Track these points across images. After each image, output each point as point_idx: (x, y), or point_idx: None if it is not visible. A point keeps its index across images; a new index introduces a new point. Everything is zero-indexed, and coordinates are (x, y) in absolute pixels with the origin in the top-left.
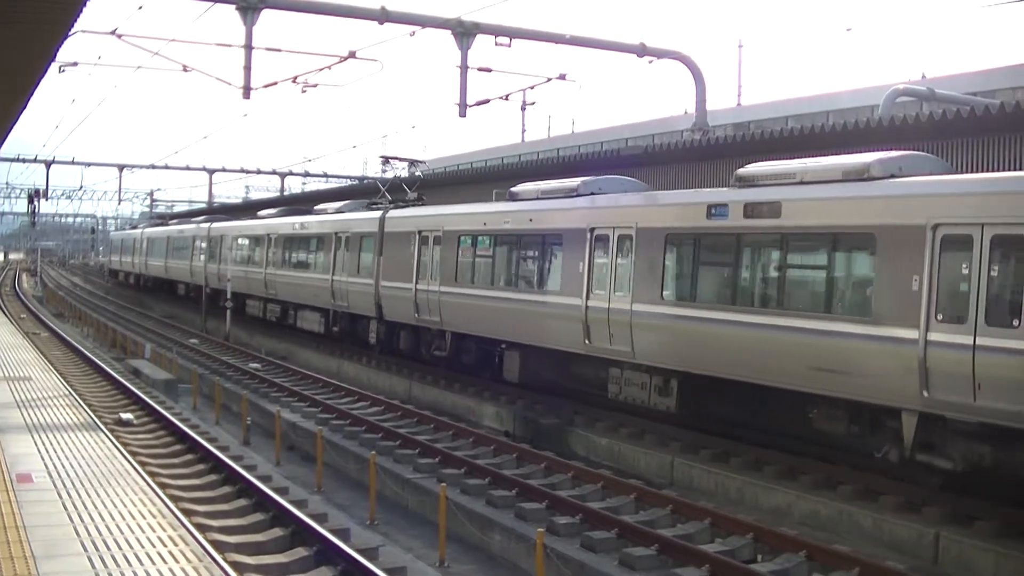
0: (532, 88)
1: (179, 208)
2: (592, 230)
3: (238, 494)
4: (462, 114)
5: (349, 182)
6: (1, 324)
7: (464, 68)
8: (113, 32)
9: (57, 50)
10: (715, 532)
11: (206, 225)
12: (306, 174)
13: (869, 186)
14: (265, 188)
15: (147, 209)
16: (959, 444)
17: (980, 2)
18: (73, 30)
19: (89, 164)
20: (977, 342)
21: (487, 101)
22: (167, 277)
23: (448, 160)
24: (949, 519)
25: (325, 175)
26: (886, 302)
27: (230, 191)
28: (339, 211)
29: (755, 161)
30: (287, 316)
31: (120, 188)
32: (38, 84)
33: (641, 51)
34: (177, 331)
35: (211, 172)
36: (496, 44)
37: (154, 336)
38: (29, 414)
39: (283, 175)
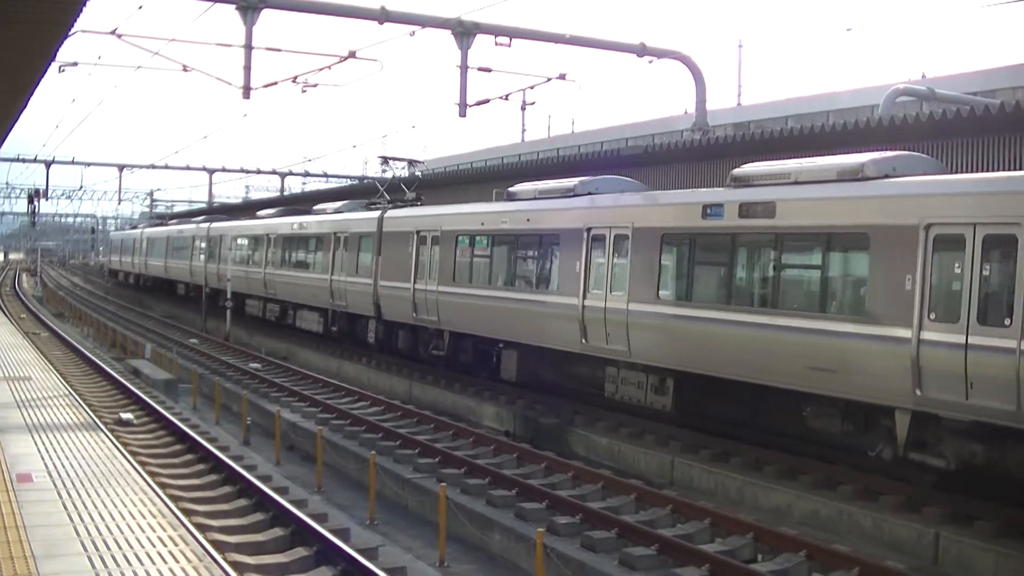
0: (532, 88)
1: (179, 208)
2: (589, 230)
3: (238, 494)
4: (462, 114)
5: (349, 182)
6: (1, 324)
7: (464, 68)
8: (113, 32)
9: (57, 50)
10: (715, 532)
11: (205, 225)
12: (306, 174)
13: (863, 186)
14: (265, 188)
15: (147, 209)
16: (952, 442)
17: (980, 2)
18: (73, 30)
19: (89, 164)
20: (969, 341)
21: (487, 101)
22: (167, 277)
23: (448, 160)
24: (949, 519)
25: (325, 175)
26: (880, 301)
27: (230, 191)
28: (338, 211)
29: (755, 161)
30: (286, 316)
31: (120, 188)
32: (38, 84)
33: (641, 51)
34: (177, 331)
35: (211, 172)
36: (496, 44)
37: (154, 336)
38: (29, 414)
39: (283, 175)
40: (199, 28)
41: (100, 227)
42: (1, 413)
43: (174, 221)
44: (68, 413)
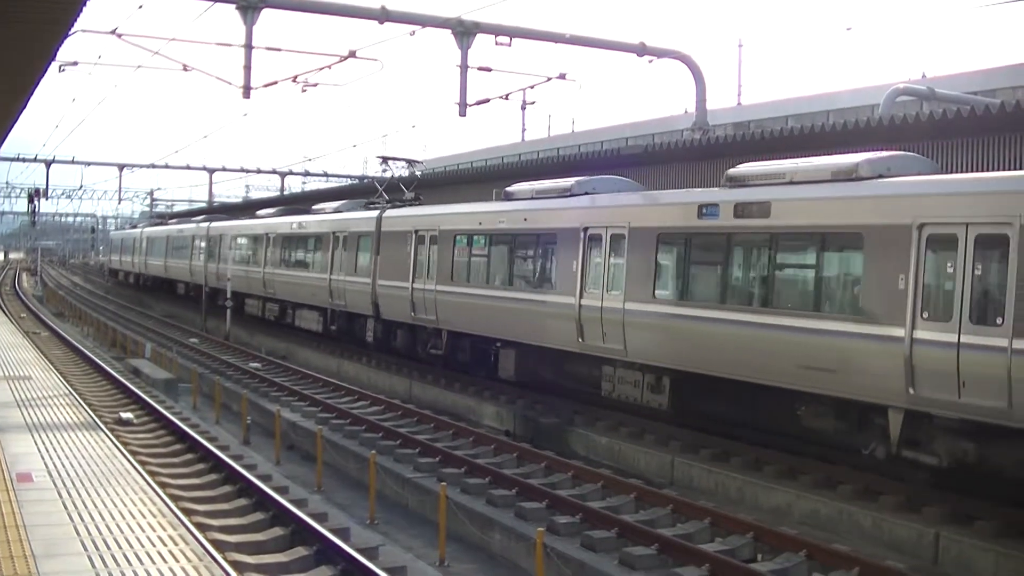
0: (532, 87)
1: (179, 208)
2: (585, 229)
3: (238, 493)
4: (462, 113)
5: (349, 181)
6: (1, 323)
7: (464, 67)
8: (113, 31)
9: (57, 50)
10: (715, 531)
11: (205, 225)
12: (306, 173)
13: (857, 186)
14: (265, 187)
15: (147, 208)
16: (944, 440)
17: (980, 2)
18: (73, 30)
19: (89, 163)
20: (961, 340)
21: (487, 100)
22: (167, 276)
23: (448, 159)
24: (949, 519)
25: (325, 174)
26: (873, 301)
27: (230, 190)
28: (337, 211)
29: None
30: (285, 315)
31: (120, 187)
32: (38, 84)
33: (641, 50)
34: (177, 330)
35: (211, 171)
36: (496, 43)
37: (154, 335)
38: (29, 413)
39: (283, 174)
40: (199, 28)
41: (100, 226)
42: (1, 412)
43: (174, 221)
44: (68, 412)
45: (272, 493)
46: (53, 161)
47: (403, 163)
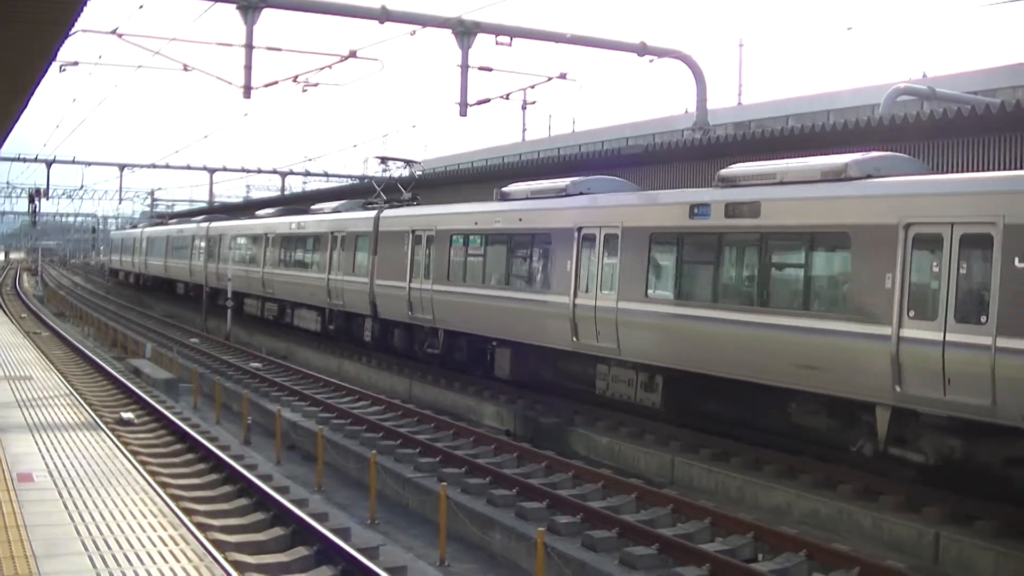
0: (533, 87)
1: (180, 207)
2: (580, 229)
3: (239, 493)
4: (463, 113)
5: (349, 181)
6: (2, 323)
7: (465, 67)
8: (114, 31)
9: (58, 50)
10: (715, 531)
11: (205, 225)
12: (307, 173)
13: (845, 186)
14: (266, 187)
15: (148, 208)
16: (930, 438)
17: (981, 1)
18: (73, 30)
19: (90, 163)
20: (947, 338)
21: (488, 100)
22: (167, 276)
23: (449, 159)
24: (949, 518)
25: (326, 174)
26: (861, 299)
27: (231, 190)
28: (335, 211)
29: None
30: (284, 315)
31: (121, 187)
32: (39, 84)
33: (642, 50)
34: (178, 330)
35: (212, 171)
36: (497, 43)
37: (155, 335)
38: (30, 413)
39: (284, 174)
40: (200, 28)
41: (101, 226)
42: (2, 412)
43: (174, 221)
44: (69, 412)
45: (273, 493)
46: (54, 161)
47: (401, 163)
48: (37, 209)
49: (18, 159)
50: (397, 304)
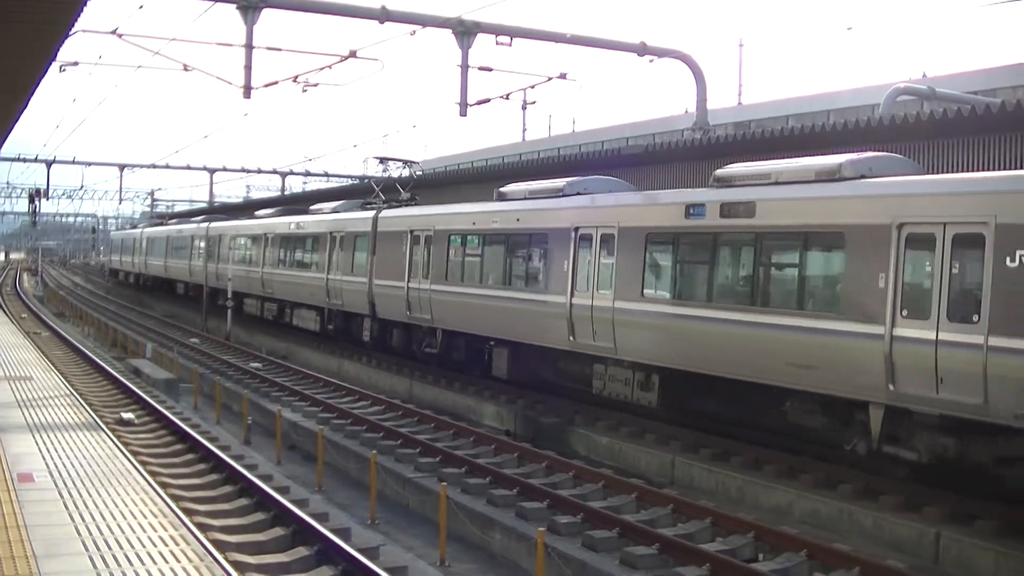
0: (533, 87)
1: (180, 208)
2: (576, 229)
3: (239, 493)
4: (463, 113)
5: (350, 181)
6: (2, 323)
7: (465, 67)
8: (114, 32)
9: (58, 50)
10: (716, 531)
11: (205, 225)
12: (307, 173)
13: (839, 186)
14: (266, 188)
15: (148, 209)
16: (923, 436)
17: (981, 1)
18: (73, 30)
19: (90, 164)
20: (939, 337)
21: (488, 100)
22: (166, 276)
23: (449, 159)
24: (949, 518)
25: (326, 174)
26: (854, 299)
27: (231, 191)
28: (334, 211)
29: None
30: (284, 314)
31: (121, 188)
32: (39, 84)
33: (642, 50)
34: (178, 330)
35: (212, 172)
36: (497, 43)
37: (155, 335)
38: (30, 414)
39: (284, 174)
40: (200, 28)
41: (101, 227)
42: (2, 413)
43: (174, 221)
44: (69, 413)
45: (273, 493)
46: (54, 161)
47: (400, 164)
48: (37, 209)
49: (18, 159)
50: (395, 304)
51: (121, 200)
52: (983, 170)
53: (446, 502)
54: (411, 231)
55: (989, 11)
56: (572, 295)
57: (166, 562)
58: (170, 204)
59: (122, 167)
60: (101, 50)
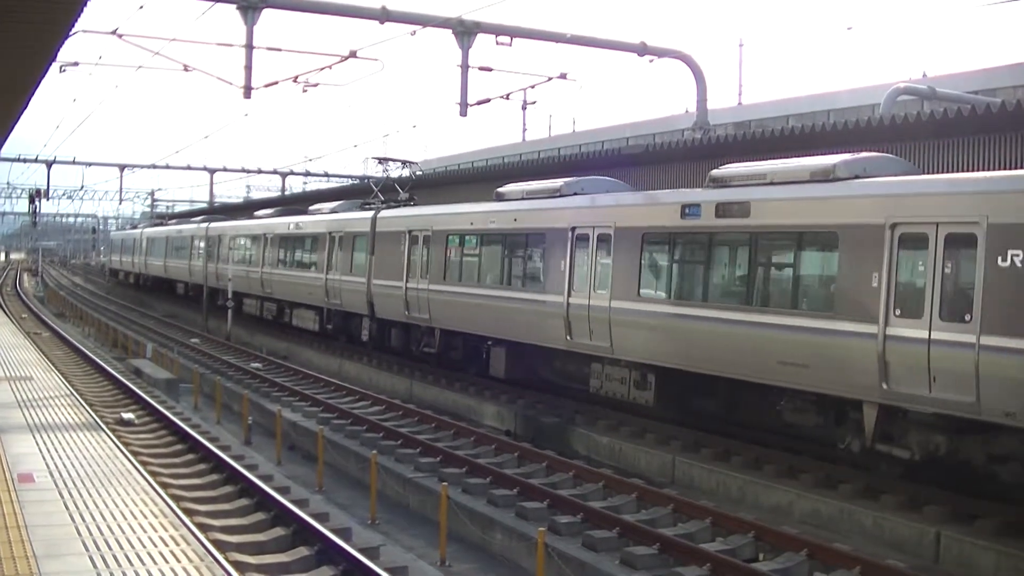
0: (533, 87)
1: (180, 208)
2: (573, 230)
3: (239, 494)
4: (463, 113)
5: (350, 181)
6: (2, 324)
7: (465, 67)
8: (114, 32)
9: (58, 50)
10: (716, 531)
11: (204, 225)
12: (307, 173)
13: (833, 187)
14: (266, 188)
15: (148, 209)
16: (916, 434)
17: (980, 1)
18: (74, 30)
19: (90, 164)
20: (932, 336)
21: (488, 100)
22: (166, 276)
23: (449, 159)
24: (950, 518)
25: (326, 174)
26: (848, 298)
27: (231, 191)
28: (333, 211)
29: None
30: (283, 314)
31: (121, 188)
32: (39, 84)
33: (642, 50)
34: (178, 331)
35: (212, 172)
36: (497, 43)
37: (155, 336)
38: (30, 414)
39: (284, 175)
40: (200, 28)
41: (101, 227)
42: (2, 413)
43: (174, 221)
44: (69, 413)
45: (273, 493)
46: (54, 162)
47: (398, 164)
48: (37, 209)
49: (18, 159)
50: (394, 304)
51: (121, 200)
52: (984, 170)
53: (446, 502)
54: (409, 231)
55: (989, 11)
56: (569, 295)
57: (166, 562)
58: (170, 204)
59: (122, 167)
60: (101, 50)
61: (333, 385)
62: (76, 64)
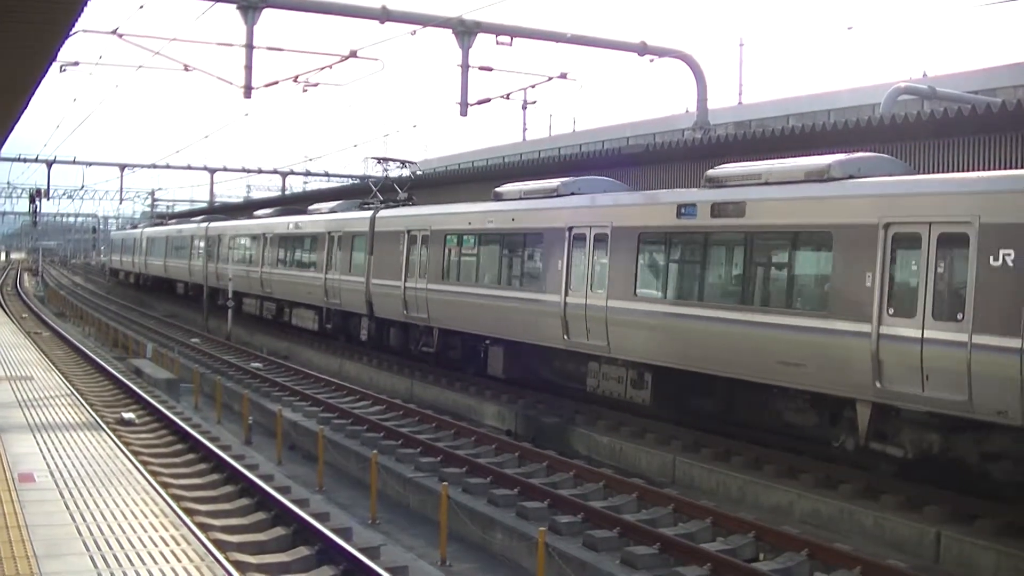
0: (533, 87)
1: (180, 208)
2: (570, 229)
3: (240, 493)
4: (463, 113)
5: (350, 181)
6: (3, 323)
7: (465, 67)
8: (114, 32)
9: (58, 50)
10: (717, 531)
11: (204, 225)
12: (307, 173)
13: (827, 187)
14: (266, 188)
15: (148, 209)
16: (910, 433)
17: (980, 1)
18: (74, 30)
19: (90, 164)
20: (925, 335)
21: (488, 100)
22: (166, 276)
23: (449, 159)
24: (950, 518)
25: (326, 174)
26: (842, 297)
27: (231, 190)
28: (332, 211)
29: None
30: (282, 314)
31: (121, 188)
32: (39, 84)
33: (642, 50)
34: (179, 330)
35: (212, 171)
36: (497, 43)
37: (156, 335)
38: (31, 414)
39: (284, 174)
40: (200, 28)
41: (101, 227)
42: (3, 413)
43: (174, 221)
44: (70, 413)
45: (274, 493)
46: (54, 161)
47: (397, 163)
48: (38, 209)
49: (19, 159)
50: (393, 303)
51: (121, 200)
52: (984, 170)
53: (447, 502)
54: (408, 231)
55: (989, 11)
56: (566, 294)
57: (167, 562)
58: (170, 204)
59: (123, 167)
60: (101, 50)
61: (334, 385)
62: (76, 64)
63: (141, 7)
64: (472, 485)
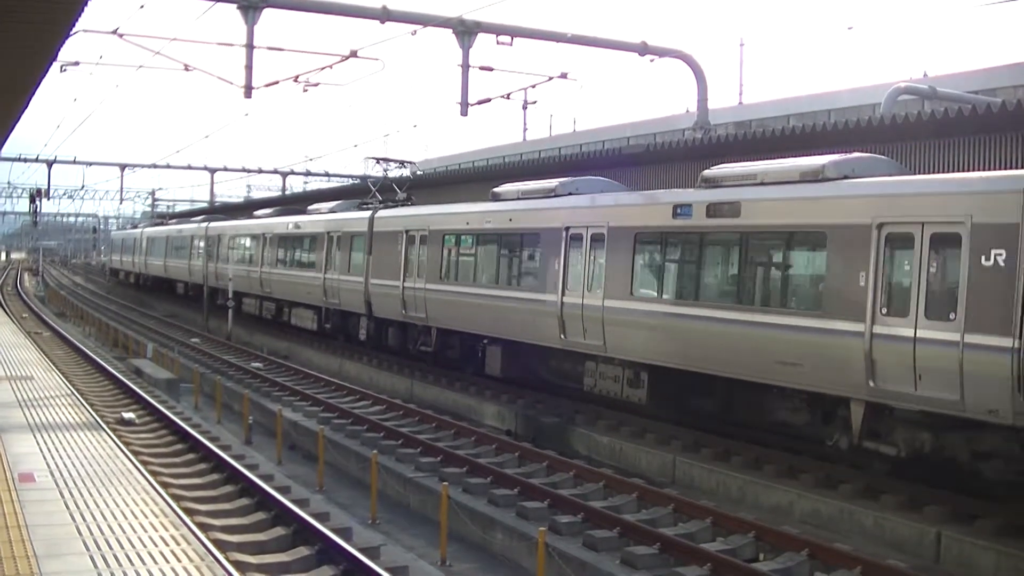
0: (533, 87)
1: (180, 208)
2: (567, 229)
3: (240, 493)
4: (464, 113)
5: (350, 181)
6: (3, 323)
7: (465, 67)
8: (115, 31)
9: (58, 50)
10: (717, 531)
11: (204, 225)
12: (307, 173)
13: (822, 187)
14: (267, 187)
15: (148, 208)
16: (903, 431)
17: (981, 1)
18: (74, 30)
19: (91, 164)
20: (917, 335)
21: (489, 100)
22: (166, 276)
23: (450, 159)
24: (950, 517)
25: (327, 174)
26: (836, 297)
27: (232, 190)
28: (331, 211)
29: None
30: (282, 313)
31: (122, 187)
32: (39, 84)
33: (642, 50)
34: (179, 330)
35: (212, 171)
36: (497, 43)
37: (156, 335)
38: (31, 413)
39: (284, 174)
40: (201, 27)
41: (102, 227)
42: (3, 413)
43: (174, 221)
44: (70, 413)
45: (274, 493)
46: (55, 161)
47: (397, 164)
48: (38, 209)
49: (19, 159)
50: (391, 303)
51: (122, 200)
52: (984, 170)
53: (447, 502)
54: (406, 231)
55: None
56: (563, 294)
57: (167, 562)
58: (171, 204)
59: (123, 167)
60: (102, 50)
61: (334, 385)
62: (77, 64)
63: (141, 7)
64: (472, 485)
